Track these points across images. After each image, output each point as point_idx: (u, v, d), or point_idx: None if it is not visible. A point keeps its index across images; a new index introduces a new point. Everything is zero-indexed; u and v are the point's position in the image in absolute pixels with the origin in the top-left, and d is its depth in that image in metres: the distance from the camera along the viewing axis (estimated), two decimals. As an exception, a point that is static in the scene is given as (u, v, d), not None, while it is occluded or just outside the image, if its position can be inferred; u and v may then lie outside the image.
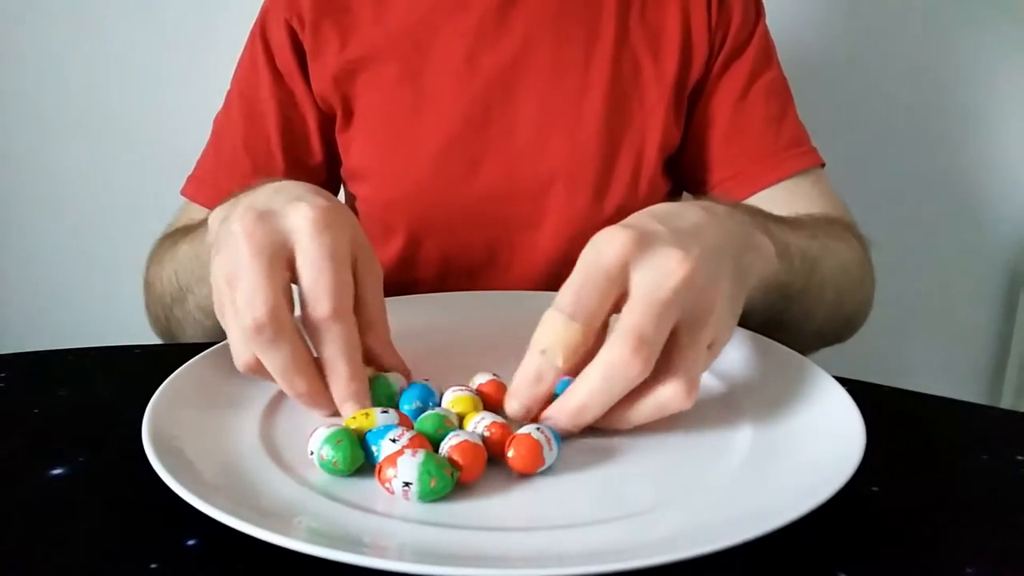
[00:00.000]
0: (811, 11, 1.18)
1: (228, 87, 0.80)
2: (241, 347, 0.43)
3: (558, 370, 0.40)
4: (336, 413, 0.43)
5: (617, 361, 0.38)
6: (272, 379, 0.43)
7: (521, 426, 0.40)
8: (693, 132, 0.78)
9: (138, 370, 0.54)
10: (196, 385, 0.46)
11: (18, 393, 0.52)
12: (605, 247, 0.40)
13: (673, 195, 0.83)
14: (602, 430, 0.42)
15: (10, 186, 1.31)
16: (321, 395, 0.43)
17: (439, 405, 0.44)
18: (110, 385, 0.53)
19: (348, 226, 0.44)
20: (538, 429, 0.39)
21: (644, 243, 0.40)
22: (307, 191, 0.46)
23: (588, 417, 0.40)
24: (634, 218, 0.43)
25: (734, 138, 0.76)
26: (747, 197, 0.75)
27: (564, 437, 0.41)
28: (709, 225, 0.43)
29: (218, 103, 0.80)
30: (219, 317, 0.45)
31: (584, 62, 0.75)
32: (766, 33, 0.79)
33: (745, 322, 0.49)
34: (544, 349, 0.40)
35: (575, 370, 0.41)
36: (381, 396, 0.44)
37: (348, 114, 0.76)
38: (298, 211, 0.43)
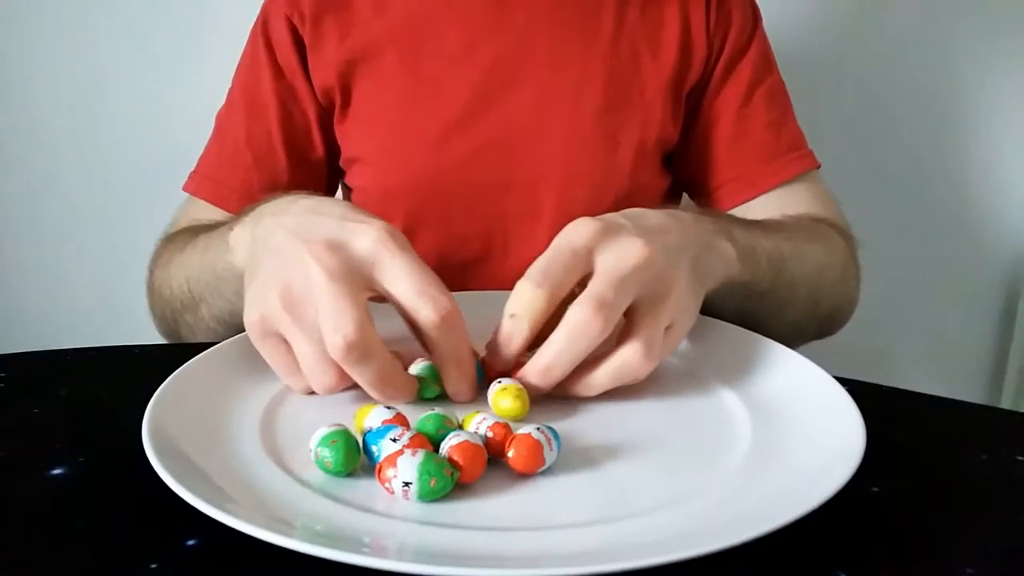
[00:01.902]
0: (807, 13, 1.18)
1: (230, 85, 0.80)
2: (322, 368, 0.44)
3: (525, 332, 0.45)
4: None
5: (579, 320, 0.43)
6: (354, 386, 0.45)
7: (521, 427, 0.40)
8: (696, 135, 0.79)
9: (138, 370, 0.54)
10: (196, 385, 0.46)
11: (18, 393, 0.52)
12: (574, 231, 0.46)
13: (673, 193, 0.84)
14: (570, 398, 0.46)
15: (10, 186, 1.31)
16: (410, 393, 0.46)
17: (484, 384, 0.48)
18: (110, 385, 0.53)
19: (407, 241, 0.46)
20: (538, 429, 0.39)
21: (610, 232, 0.45)
22: (349, 209, 0.48)
23: (555, 375, 0.44)
24: (605, 215, 0.48)
25: (737, 142, 0.77)
26: (748, 200, 0.76)
27: (562, 438, 0.41)
28: (672, 227, 0.49)
29: (219, 101, 0.80)
30: (258, 338, 0.46)
31: (583, 54, 0.75)
32: (764, 37, 0.80)
33: (718, 317, 0.55)
34: (513, 314, 0.45)
35: (541, 335, 0.45)
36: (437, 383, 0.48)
37: (348, 104, 0.76)
38: (366, 234, 0.44)
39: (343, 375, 0.44)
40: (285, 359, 0.46)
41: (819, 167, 0.78)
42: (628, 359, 0.45)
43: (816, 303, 0.68)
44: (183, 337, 0.68)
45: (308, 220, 0.46)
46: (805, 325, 0.69)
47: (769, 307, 0.62)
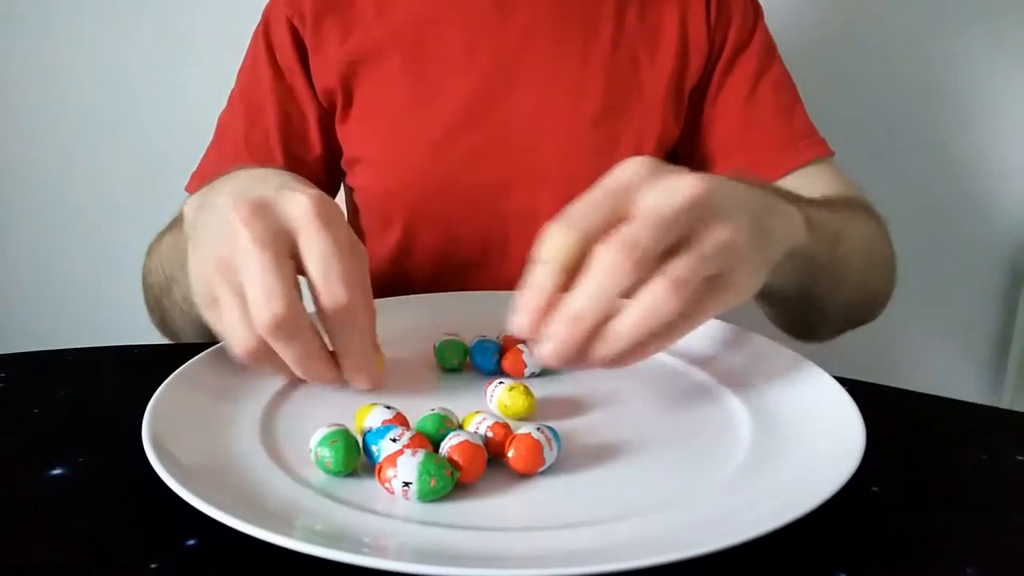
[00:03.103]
0: (809, 7, 1.18)
1: (232, 88, 0.80)
2: (242, 335, 0.42)
3: (557, 277, 0.40)
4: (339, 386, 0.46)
5: (607, 261, 0.39)
6: (273, 368, 0.45)
7: (521, 427, 0.40)
8: (704, 132, 0.79)
9: (138, 370, 0.54)
10: (196, 385, 0.46)
11: (18, 393, 0.52)
12: (621, 170, 0.42)
13: None
14: (596, 366, 0.41)
15: (10, 186, 1.31)
16: (335, 375, 0.45)
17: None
18: (110, 385, 0.53)
19: (342, 215, 0.45)
20: (538, 429, 0.39)
21: (660, 170, 0.41)
22: (291, 179, 0.47)
23: (585, 324, 0.39)
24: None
25: (747, 132, 0.77)
26: None
27: (562, 438, 0.41)
28: (732, 183, 0.44)
29: (220, 103, 0.80)
30: (204, 306, 0.45)
31: (582, 58, 0.76)
32: (766, 30, 0.81)
33: (779, 295, 0.49)
34: (544, 259, 0.41)
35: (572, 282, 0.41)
36: (452, 358, 0.50)
37: (349, 105, 0.77)
38: (296, 201, 0.43)
39: (264, 347, 0.43)
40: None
41: (833, 155, 0.78)
42: (653, 293, 0.39)
43: (866, 283, 0.66)
44: (168, 326, 0.68)
45: (249, 185, 0.46)
46: (855, 307, 0.67)
47: (826, 284, 0.59)
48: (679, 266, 0.39)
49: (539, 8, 0.76)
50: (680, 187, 0.39)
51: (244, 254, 0.41)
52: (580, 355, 0.40)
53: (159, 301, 0.66)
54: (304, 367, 0.44)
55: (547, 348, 0.40)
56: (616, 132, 0.75)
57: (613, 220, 0.40)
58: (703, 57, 0.77)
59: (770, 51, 0.80)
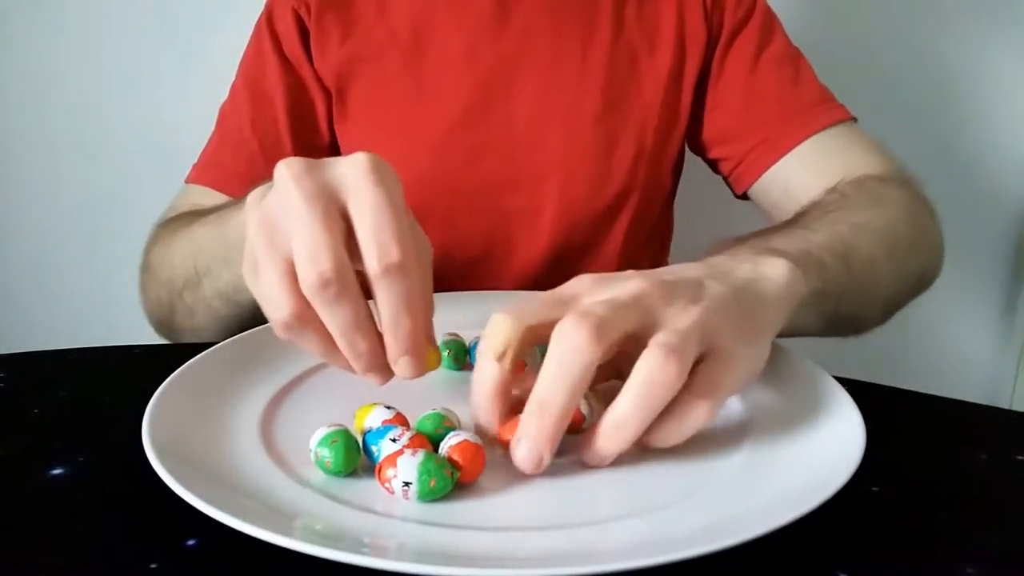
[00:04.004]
0: (809, 7, 1.18)
1: (232, 81, 0.80)
2: (282, 297, 0.39)
3: (492, 365, 0.39)
4: (384, 380, 0.42)
5: (565, 333, 0.36)
6: (313, 342, 0.40)
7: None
8: (709, 114, 0.79)
9: (138, 370, 0.54)
10: (196, 385, 0.46)
11: (18, 393, 0.52)
12: (571, 281, 0.41)
13: (674, 192, 0.84)
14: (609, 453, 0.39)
15: (10, 186, 1.31)
16: (380, 356, 0.40)
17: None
18: (110, 385, 0.53)
19: (398, 180, 0.41)
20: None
21: (604, 279, 0.41)
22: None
23: (554, 410, 0.37)
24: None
25: (751, 107, 0.76)
26: (775, 161, 0.74)
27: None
28: (691, 268, 0.42)
29: (221, 102, 0.80)
30: (248, 275, 0.41)
31: (581, 55, 0.76)
32: (767, 8, 0.80)
33: (809, 332, 0.48)
34: (481, 351, 0.40)
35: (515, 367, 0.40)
36: (452, 358, 0.50)
37: (348, 103, 0.77)
38: (350, 160, 0.40)
39: (305, 314, 0.39)
40: None
41: (854, 119, 0.75)
42: (648, 363, 0.37)
43: (901, 267, 0.62)
44: (177, 323, 0.66)
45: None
46: (897, 296, 0.64)
47: (854, 300, 0.56)
48: (660, 336, 0.37)
49: (538, 7, 0.76)
50: (627, 284, 0.39)
51: (292, 212, 0.38)
52: (589, 455, 0.38)
53: (178, 296, 0.64)
54: (349, 338, 0.39)
55: (521, 450, 0.37)
56: (617, 129, 0.76)
57: (550, 318, 0.38)
58: (702, 46, 0.77)
59: (770, 25, 0.79)
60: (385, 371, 0.41)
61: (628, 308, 0.38)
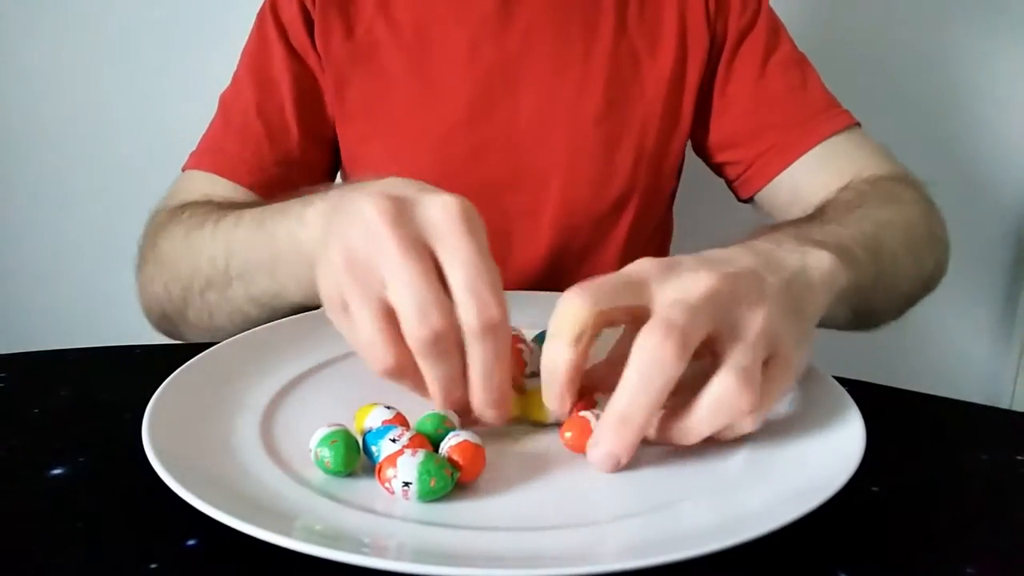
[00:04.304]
0: (808, 7, 1.18)
1: (235, 70, 0.79)
2: (386, 350, 0.39)
3: (569, 349, 0.38)
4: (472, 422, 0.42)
5: (648, 346, 0.36)
6: (408, 383, 0.41)
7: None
8: (715, 119, 0.79)
9: (138, 370, 0.54)
10: (196, 385, 0.46)
11: (18, 393, 0.52)
12: (634, 264, 0.40)
13: (674, 194, 0.84)
14: (666, 445, 0.40)
15: (10, 186, 1.31)
16: (468, 403, 0.41)
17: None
18: (110, 385, 0.53)
19: (483, 225, 0.40)
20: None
21: (669, 266, 0.40)
22: (426, 186, 0.43)
23: (635, 423, 0.37)
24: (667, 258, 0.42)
25: (760, 113, 0.77)
26: (785, 167, 0.74)
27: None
28: (743, 255, 0.42)
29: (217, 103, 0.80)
30: (333, 311, 0.41)
31: (583, 56, 0.76)
32: (771, 13, 0.80)
33: (833, 325, 0.48)
34: (555, 334, 0.39)
35: (584, 353, 0.39)
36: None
37: (349, 102, 0.76)
38: (440, 202, 0.39)
39: (408, 363, 0.39)
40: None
41: (859, 125, 0.76)
42: (721, 390, 0.37)
43: (918, 263, 0.63)
44: (188, 320, 0.64)
45: (389, 185, 0.42)
46: (912, 295, 0.66)
47: (878, 297, 0.56)
48: (737, 355, 0.37)
49: (541, 7, 0.76)
50: (697, 280, 0.38)
51: (390, 262, 0.37)
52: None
53: (198, 293, 0.61)
54: (448, 390, 0.40)
55: (597, 454, 0.38)
56: (618, 130, 0.76)
57: (624, 303, 0.38)
58: (704, 50, 0.77)
59: (776, 31, 0.79)
60: (468, 416, 0.41)
61: (705, 314, 0.37)
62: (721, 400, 0.37)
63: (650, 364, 0.36)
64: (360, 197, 0.40)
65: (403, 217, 0.38)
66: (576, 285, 0.39)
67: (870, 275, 0.52)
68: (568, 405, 0.40)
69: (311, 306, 0.55)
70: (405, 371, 0.39)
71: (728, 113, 0.78)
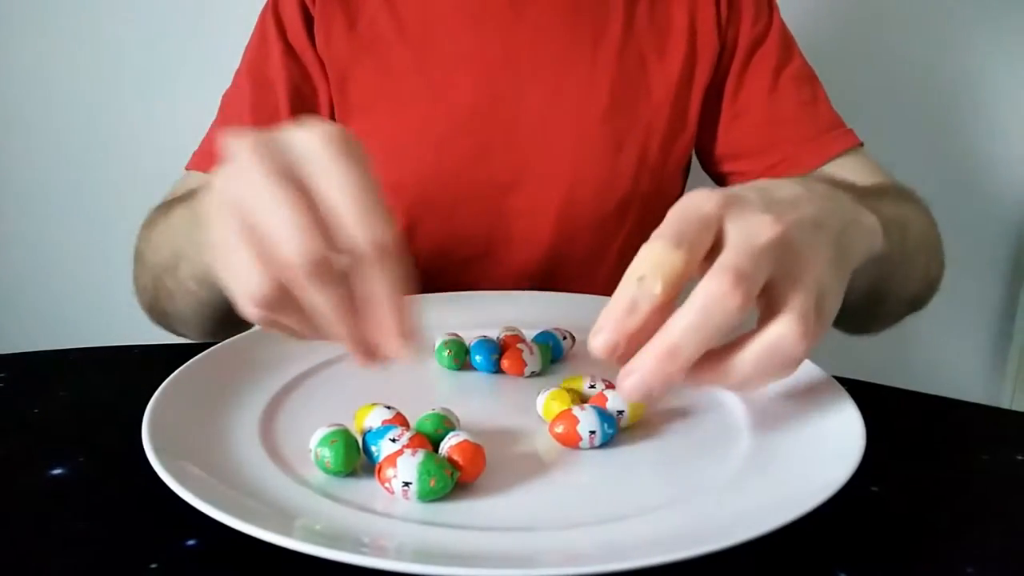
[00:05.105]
0: (808, 8, 1.18)
1: (236, 69, 0.79)
2: (258, 277, 0.35)
3: (655, 299, 0.36)
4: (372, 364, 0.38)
5: (716, 292, 0.35)
6: (290, 322, 0.37)
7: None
8: (727, 131, 0.79)
9: (138, 370, 0.54)
10: (196, 385, 0.46)
11: (18, 393, 0.52)
12: (699, 199, 0.38)
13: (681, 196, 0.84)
14: (701, 387, 0.39)
15: (10, 186, 1.31)
16: (361, 334, 0.37)
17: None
18: (110, 385, 0.53)
19: (364, 152, 0.37)
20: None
21: (737, 203, 0.38)
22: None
23: (681, 360, 0.35)
24: (727, 188, 0.40)
25: (772, 126, 0.77)
26: None
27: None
28: (805, 200, 0.41)
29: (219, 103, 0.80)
30: (215, 252, 0.38)
31: (591, 57, 0.76)
32: (782, 24, 0.80)
33: (847, 298, 0.46)
34: (642, 276, 0.36)
35: (669, 303, 0.37)
36: (452, 358, 0.51)
37: (351, 96, 0.76)
38: (308, 130, 0.36)
39: (284, 293, 0.35)
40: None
41: (862, 144, 0.77)
42: (782, 334, 0.36)
43: (928, 271, 0.64)
44: (162, 309, 0.65)
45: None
46: (918, 297, 0.66)
47: (897, 280, 0.57)
48: (797, 302, 0.37)
49: (550, 5, 0.76)
50: (763, 225, 0.37)
51: (259, 191, 0.35)
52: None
53: (159, 281, 0.62)
54: (335, 319, 0.36)
55: (633, 382, 0.36)
56: (624, 131, 0.75)
57: (708, 244, 0.37)
58: (714, 55, 0.77)
59: (788, 44, 0.80)
60: (367, 349, 0.38)
61: (768, 260, 0.37)
62: (778, 344, 0.37)
63: (713, 308, 0.35)
64: (236, 145, 0.37)
65: (269, 149, 0.36)
66: (661, 232, 0.37)
67: (896, 256, 0.52)
68: (620, 351, 0.37)
69: None
70: (279, 303, 0.35)
71: (739, 123, 0.78)
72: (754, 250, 0.36)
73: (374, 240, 0.35)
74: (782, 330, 0.37)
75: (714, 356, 0.37)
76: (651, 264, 0.36)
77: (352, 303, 0.36)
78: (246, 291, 0.36)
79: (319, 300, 0.35)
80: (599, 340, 0.37)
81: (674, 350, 0.35)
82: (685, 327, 0.35)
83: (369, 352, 0.38)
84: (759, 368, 0.37)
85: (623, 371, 0.37)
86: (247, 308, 0.36)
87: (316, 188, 0.35)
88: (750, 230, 0.37)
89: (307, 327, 0.37)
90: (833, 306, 0.40)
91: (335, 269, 0.35)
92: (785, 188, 0.41)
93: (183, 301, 0.61)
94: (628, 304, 0.36)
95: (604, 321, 0.37)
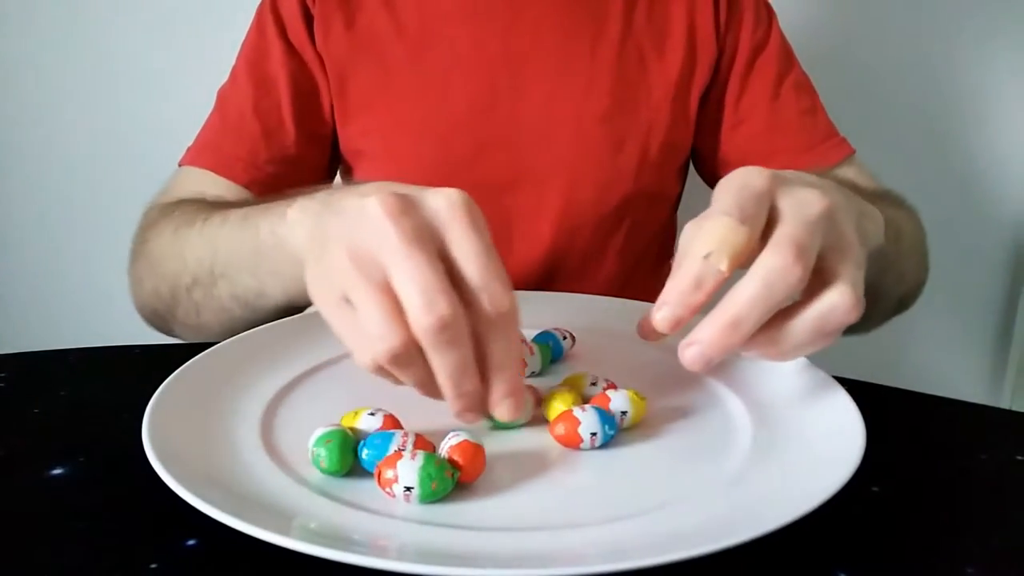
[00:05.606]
0: (808, 9, 1.18)
1: (233, 65, 0.79)
2: (388, 335, 0.36)
3: (721, 275, 0.38)
4: (477, 420, 0.40)
5: (779, 266, 0.36)
6: (412, 377, 0.39)
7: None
8: (728, 136, 0.79)
9: (138, 370, 0.54)
10: (196, 385, 0.46)
11: (18, 393, 0.52)
12: (750, 176, 0.40)
13: (678, 201, 0.84)
14: (747, 355, 0.40)
15: (10, 187, 1.31)
16: (481, 397, 0.39)
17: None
18: (110, 385, 0.53)
19: (484, 219, 0.40)
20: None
21: (784, 180, 0.40)
22: (423, 187, 0.41)
23: (743, 331, 0.37)
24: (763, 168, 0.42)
25: (774, 136, 0.77)
26: None
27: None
28: (828, 185, 0.43)
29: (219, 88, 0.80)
30: (329, 307, 0.40)
31: (590, 56, 0.76)
32: (781, 32, 0.80)
33: None
34: (709, 253, 0.38)
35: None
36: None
37: (351, 95, 0.76)
38: (444, 195, 0.38)
39: (412, 351, 0.37)
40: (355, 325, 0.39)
41: (855, 152, 0.78)
42: (835, 303, 0.38)
43: (917, 273, 0.67)
44: (178, 319, 0.64)
45: (387, 185, 0.41)
46: (906, 298, 0.68)
47: (891, 280, 0.59)
48: (849, 272, 0.39)
49: (548, 4, 0.76)
50: (812, 198, 0.39)
51: (395, 253, 0.36)
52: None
53: (185, 291, 0.61)
54: (457, 380, 0.38)
55: (693, 352, 0.38)
56: (623, 130, 0.75)
57: (764, 222, 0.38)
58: (712, 59, 0.77)
59: (788, 52, 0.80)
60: (483, 411, 0.40)
61: (821, 232, 0.38)
62: (832, 313, 0.38)
63: (775, 280, 0.36)
64: (359, 196, 0.39)
65: (407, 210, 0.37)
66: (724, 208, 0.38)
67: (892, 252, 0.53)
68: (682, 324, 0.38)
69: (294, 305, 0.55)
70: (412, 358, 0.37)
71: (741, 129, 0.78)
72: (809, 223, 0.38)
73: (500, 306, 0.37)
74: (835, 299, 0.38)
75: (766, 325, 0.38)
76: (718, 240, 0.37)
77: (474, 365, 0.38)
78: (374, 347, 0.37)
79: (446, 361, 0.37)
80: (664, 314, 0.38)
81: (737, 322, 0.37)
82: (748, 299, 0.37)
83: (479, 410, 0.39)
84: (811, 336, 0.39)
85: (684, 342, 0.38)
86: (368, 361, 0.38)
87: (450, 254, 0.37)
88: (803, 204, 0.38)
89: (427, 384, 0.39)
90: (862, 281, 0.41)
91: (461, 333, 0.37)
92: (807, 176, 0.43)
93: (214, 317, 0.61)
94: (694, 280, 0.38)
95: (669, 295, 0.38)
